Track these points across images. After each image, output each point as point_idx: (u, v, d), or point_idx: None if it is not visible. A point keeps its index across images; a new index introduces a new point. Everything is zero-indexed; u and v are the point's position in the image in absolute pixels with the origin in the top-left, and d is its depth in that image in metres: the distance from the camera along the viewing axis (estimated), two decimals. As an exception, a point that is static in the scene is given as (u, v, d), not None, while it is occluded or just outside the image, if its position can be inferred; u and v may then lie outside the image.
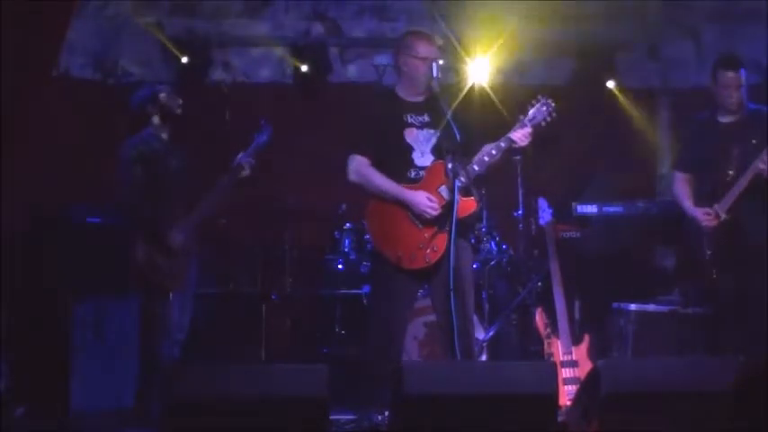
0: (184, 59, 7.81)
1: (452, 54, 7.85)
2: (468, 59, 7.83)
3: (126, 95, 6.16)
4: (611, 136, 8.16)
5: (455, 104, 5.21)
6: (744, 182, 5.70)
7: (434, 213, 5.08)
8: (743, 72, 5.83)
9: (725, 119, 5.89)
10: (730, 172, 5.76)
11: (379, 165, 5.21)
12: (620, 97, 8.22)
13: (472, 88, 7.59)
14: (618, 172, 7.95)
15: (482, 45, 7.88)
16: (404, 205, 5.14)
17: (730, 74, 5.82)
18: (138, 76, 7.85)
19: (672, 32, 8.36)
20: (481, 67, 7.80)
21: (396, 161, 5.20)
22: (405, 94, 5.30)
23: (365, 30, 8.23)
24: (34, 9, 5.20)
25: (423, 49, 5.25)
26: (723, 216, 5.72)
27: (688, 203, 5.89)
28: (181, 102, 5.92)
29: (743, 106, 5.86)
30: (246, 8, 8.11)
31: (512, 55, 8.16)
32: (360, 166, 5.22)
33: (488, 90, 7.65)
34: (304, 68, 7.97)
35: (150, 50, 7.95)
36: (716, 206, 5.75)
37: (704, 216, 5.76)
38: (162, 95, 5.88)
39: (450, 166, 5.00)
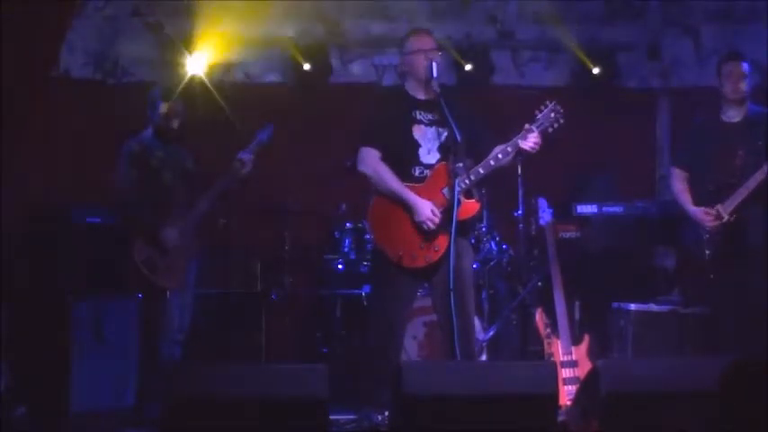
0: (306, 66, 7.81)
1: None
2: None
3: (126, 95, 6.15)
4: (611, 136, 8.16)
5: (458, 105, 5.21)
6: (752, 183, 5.68)
7: (432, 227, 5.10)
8: (746, 65, 5.84)
9: (729, 119, 5.88)
10: (735, 173, 5.76)
11: (385, 159, 5.22)
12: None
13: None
14: (618, 172, 7.95)
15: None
16: (407, 206, 5.15)
17: (733, 63, 5.84)
18: (138, 76, 7.85)
19: (672, 32, 8.36)
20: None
21: (402, 156, 5.22)
22: (413, 92, 5.33)
23: (365, 30, 8.23)
24: (34, 9, 5.20)
25: (418, 42, 5.29)
26: (726, 217, 5.71)
27: (689, 203, 5.88)
28: (180, 109, 5.90)
29: (746, 103, 5.85)
30: (246, 8, 8.10)
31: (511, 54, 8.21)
32: (372, 160, 5.23)
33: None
34: (306, 67, 7.96)
35: (150, 50, 7.94)
36: (718, 206, 5.74)
37: (705, 215, 5.75)
38: (162, 108, 5.85)
39: (451, 167, 5.01)
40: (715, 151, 5.84)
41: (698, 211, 5.80)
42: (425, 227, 5.11)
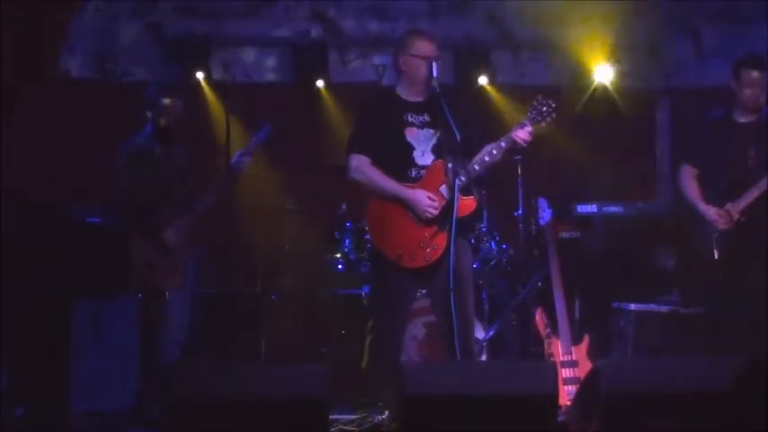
0: None
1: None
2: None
3: (126, 95, 6.15)
4: (611, 136, 8.16)
5: (456, 104, 5.20)
6: (764, 185, 5.68)
7: (435, 213, 5.08)
8: (766, 73, 5.80)
9: (741, 118, 5.87)
10: (747, 172, 5.75)
11: (379, 164, 5.21)
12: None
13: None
14: (618, 172, 7.95)
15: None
16: (404, 204, 5.14)
17: (755, 73, 5.78)
18: (138, 76, 7.86)
19: (672, 32, 8.36)
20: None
21: (397, 160, 5.20)
22: (405, 93, 5.30)
23: (365, 30, 8.23)
24: (34, 9, 5.21)
25: (422, 47, 5.24)
26: (736, 216, 5.70)
27: (700, 201, 5.85)
28: (180, 107, 5.89)
29: (761, 107, 5.84)
30: (246, 8, 8.12)
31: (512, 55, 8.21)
32: (360, 165, 5.22)
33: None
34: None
35: (150, 50, 7.95)
36: (728, 205, 5.73)
37: (718, 216, 5.74)
38: (165, 102, 5.84)
39: (450, 165, 5.01)
40: (727, 150, 5.82)
41: (711, 211, 5.77)
42: (428, 214, 5.10)
